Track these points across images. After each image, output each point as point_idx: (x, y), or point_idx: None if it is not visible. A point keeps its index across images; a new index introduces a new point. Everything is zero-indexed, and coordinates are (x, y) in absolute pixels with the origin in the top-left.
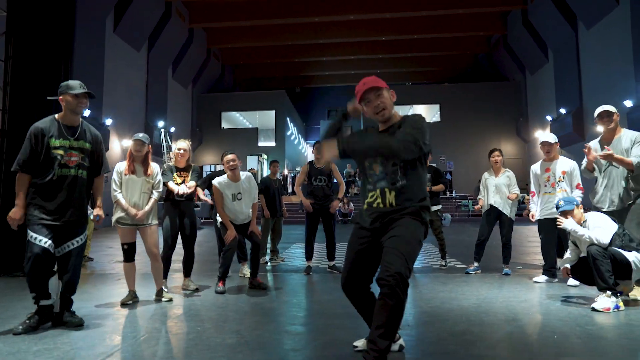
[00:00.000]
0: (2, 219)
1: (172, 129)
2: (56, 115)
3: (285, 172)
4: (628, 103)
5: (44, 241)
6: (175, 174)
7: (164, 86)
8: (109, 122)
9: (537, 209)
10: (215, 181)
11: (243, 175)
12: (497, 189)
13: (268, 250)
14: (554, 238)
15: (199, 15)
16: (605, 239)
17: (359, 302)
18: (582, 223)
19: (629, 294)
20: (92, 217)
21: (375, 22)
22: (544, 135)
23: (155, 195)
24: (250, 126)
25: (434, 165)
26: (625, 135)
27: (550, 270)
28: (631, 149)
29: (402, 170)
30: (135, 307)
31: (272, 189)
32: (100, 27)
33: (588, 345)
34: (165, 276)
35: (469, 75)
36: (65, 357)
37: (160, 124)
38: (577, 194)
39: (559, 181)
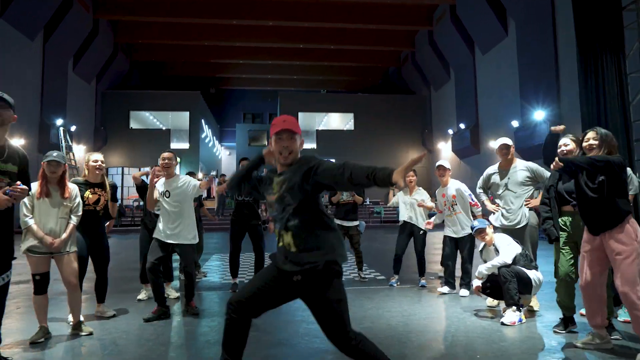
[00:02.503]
0: None
1: (73, 128)
2: None
3: (200, 175)
4: (515, 123)
5: None
6: (88, 191)
7: (63, 81)
8: None
9: (446, 227)
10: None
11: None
12: (411, 206)
13: None
14: (454, 253)
15: (106, 6)
16: (508, 259)
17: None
18: (492, 243)
19: (528, 305)
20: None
21: (293, 29)
22: (441, 160)
23: (74, 220)
24: (162, 127)
25: None
26: (520, 165)
27: (450, 281)
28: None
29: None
30: (48, 345)
31: None
32: None
33: None
34: None
35: (381, 87)
36: None
37: (59, 122)
38: (477, 211)
39: (452, 205)
